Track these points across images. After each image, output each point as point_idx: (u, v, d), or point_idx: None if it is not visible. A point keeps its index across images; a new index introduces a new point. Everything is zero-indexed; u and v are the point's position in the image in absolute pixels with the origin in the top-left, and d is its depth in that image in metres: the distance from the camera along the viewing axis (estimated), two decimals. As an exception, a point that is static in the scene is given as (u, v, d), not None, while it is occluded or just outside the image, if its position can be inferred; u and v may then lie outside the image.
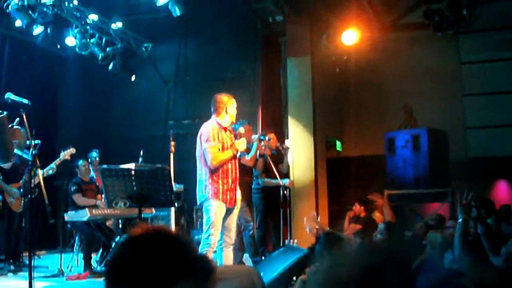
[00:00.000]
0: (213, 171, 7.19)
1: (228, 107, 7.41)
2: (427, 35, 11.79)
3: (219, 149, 7.25)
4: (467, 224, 5.39)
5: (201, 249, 6.93)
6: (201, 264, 1.79)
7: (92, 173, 11.14)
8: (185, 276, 1.72)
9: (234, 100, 7.51)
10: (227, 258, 7.31)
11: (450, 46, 12.78)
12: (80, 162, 10.75)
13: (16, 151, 9.84)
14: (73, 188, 10.50)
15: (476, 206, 5.49)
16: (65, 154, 10.26)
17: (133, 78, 14.50)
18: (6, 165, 9.07)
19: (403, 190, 12.26)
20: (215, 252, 7.23)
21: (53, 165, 10.05)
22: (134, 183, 6.48)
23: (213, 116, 7.44)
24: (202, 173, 7.29)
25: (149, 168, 7.65)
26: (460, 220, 5.34)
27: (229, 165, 7.30)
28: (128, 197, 6.55)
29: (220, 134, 7.27)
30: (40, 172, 6.70)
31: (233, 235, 7.44)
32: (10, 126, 6.07)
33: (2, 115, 5.80)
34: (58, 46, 13.00)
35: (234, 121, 7.51)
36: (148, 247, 1.74)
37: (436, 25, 10.95)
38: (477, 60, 12.96)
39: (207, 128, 7.28)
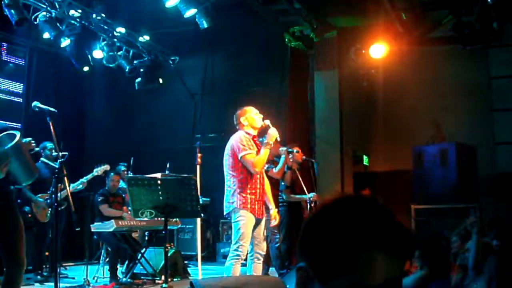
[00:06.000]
0: (242, 182, 7.06)
1: (247, 118, 7.29)
2: (456, 49, 11.65)
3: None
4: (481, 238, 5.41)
5: (230, 261, 6.84)
6: (398, 236, 1.50)
7: (121, 184, 11.06)
8: (371, 246, 1.45)
9: (251, 109, 7.35)
10: (256, 271, 7.18)
11: (479, 60, 12.64)
12: (112, 174, 10.73)
13: (44, 160, 9.92)
14: (100, 199, 10.46)
15: (483, 225, 5.59)
16: (99, 170, 10.30)
17: (160, 80, 14.40)
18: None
19: (430, 205, 12.13)
20: (244, 264, 7.11)
21: (84, 179, 10.08)
22: (160, 192, 6.42)
23: (239, 130, 7.34)
24: (230, 183, 7.15)
25: (176, 177, 7.63)
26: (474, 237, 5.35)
27: (257, 175, 7.19)
28: (154, 207, 6.49)
29: (250, 142, 7.16)
30: (67, 180, 6.69)
31: (264, 246, 7.24)
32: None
33: (16, 140, 5.51)
34: (87, 58, 12.97)
35: (264, 124, 7.35)
36: (334, 212, 1.53)
37: (466, 38, 10.80)
38: (506, 75, 12.78)
39: (238, 138, 7.14)
